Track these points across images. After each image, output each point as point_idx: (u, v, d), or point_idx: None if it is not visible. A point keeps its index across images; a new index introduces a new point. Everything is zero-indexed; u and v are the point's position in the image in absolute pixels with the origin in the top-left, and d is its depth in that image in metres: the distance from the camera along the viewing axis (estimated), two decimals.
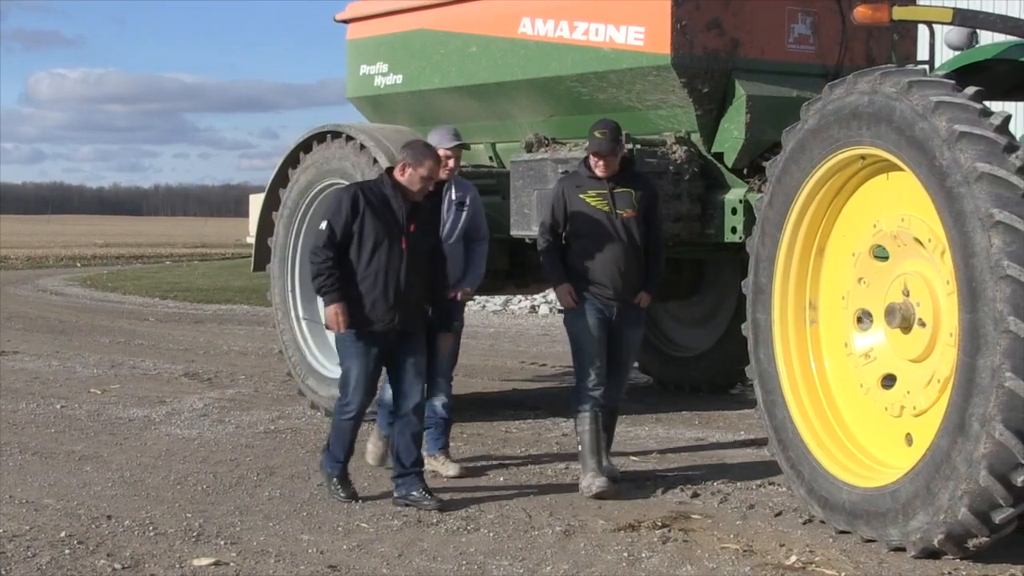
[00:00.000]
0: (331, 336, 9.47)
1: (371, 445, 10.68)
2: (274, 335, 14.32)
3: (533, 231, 11.81)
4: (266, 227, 13.90)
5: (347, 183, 12.82)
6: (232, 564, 7.95)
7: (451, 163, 10.26)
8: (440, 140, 10.20)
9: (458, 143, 10.37)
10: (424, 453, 9.82)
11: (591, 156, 9.64)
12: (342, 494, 9.46)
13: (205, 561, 7.99)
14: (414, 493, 9.25)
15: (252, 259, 14.45)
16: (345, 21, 14.36)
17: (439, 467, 10.34)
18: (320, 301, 9.79)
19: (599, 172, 9.64)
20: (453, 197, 10.39)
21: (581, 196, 9.66)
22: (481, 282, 10.82)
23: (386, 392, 10.12)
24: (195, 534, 8.64)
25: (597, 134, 9.59)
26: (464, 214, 10.42)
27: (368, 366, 9.35)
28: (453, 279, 10.22)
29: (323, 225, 9.26)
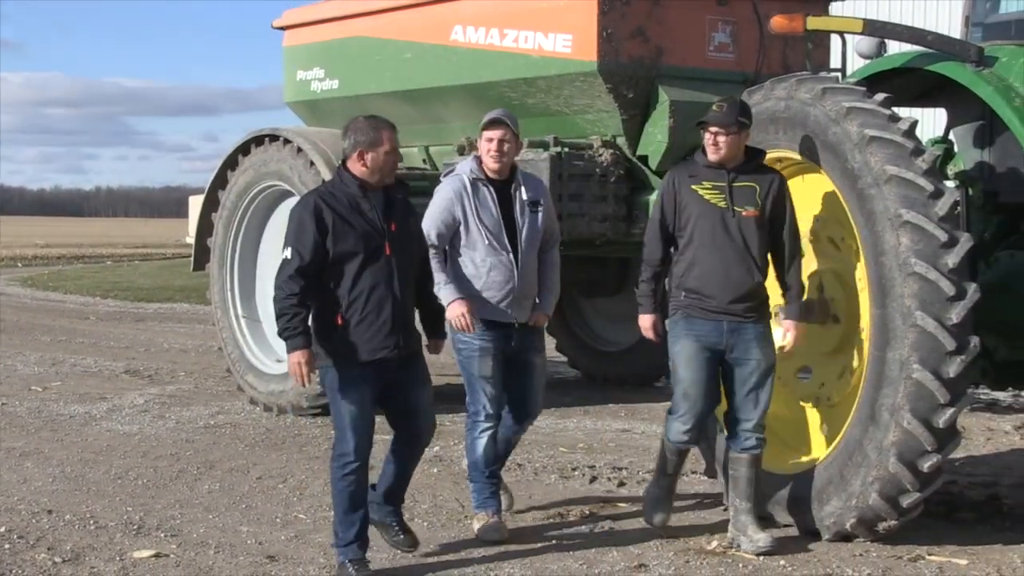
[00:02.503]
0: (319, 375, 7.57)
1: (481, 525, 8.28)
2: (214, 332, 14.29)
3: None
4: (206, 228, 13.89)
5: (284, 185, 12.89)
6: (172, 556, 7.92)
7: (492, 147, 8.10)
8: (482, 120, 8.26)
9: (497, 117, 8.16)
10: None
11: (707, 133, 7.71)
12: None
13: (145, 553, 7.96)
14: (389, 520, 7.80)
15: (192, 259, 14.39)
16: (282, 28, 14.34)
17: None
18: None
19: (712, 154, 7.71)
20: (524, 196, 8.26)
21: (694, 187, 7.78)
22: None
23: (475, 449, 8.38)
24: (135, 527, 8.59)
25: (715, 107, 7.75)
26: (540, 216, 8.31)
27: (366, 405, 7.39)
28: (533, 295, 8.32)
29: (287, 253, 7.24)
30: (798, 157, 8.16)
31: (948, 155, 8.62)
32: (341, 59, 13.54)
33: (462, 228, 8.13)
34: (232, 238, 13.63)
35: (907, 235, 7.40)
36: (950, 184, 7.99)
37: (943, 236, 7.52)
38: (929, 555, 7.85)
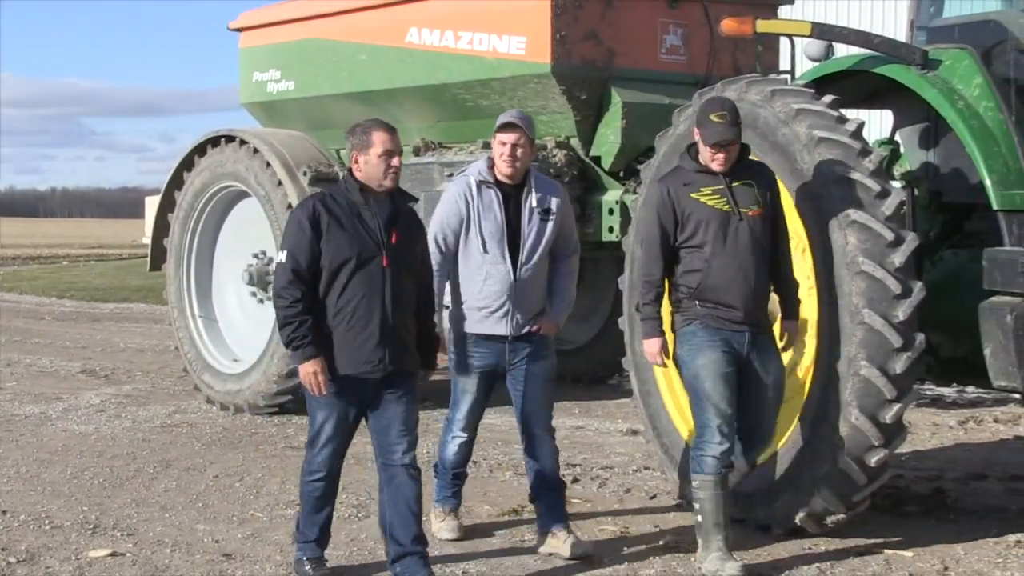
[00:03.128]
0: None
1: (439, 522, 8.19)
2: (170, 332, 14.24)
3: None
4: (162, 228, 13.85)
5: (241, 185, 12.86)
6: (128, 555, 7.89)
7: (506, 151, 7.53)
8: (496, 122, 7.68)
9: (509, 121, 7.60)
10: (539, 529, 7.91)
11: (708, 148, 7.22)
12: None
13: (101, 552, 7.93)
14: (305, 563, 7.24)
15: (148, 259, 14.36)
16: (238, 30, 14.31)
17: (560, 546, 7.74)
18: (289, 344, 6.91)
19: (717, 166, 7.21)
20: (534, 203, 7.66)
21: (693, 195, 7.22)
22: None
23: (445, 450, 8.11)
24: (91, 527, 8.55)
25: (714, 118, 7.19)
26: (550, 224, 7.69)
27: (345, 416, 7.04)
28: (536, 306, 7.77)
29: (282, 257, 6.90)
30: (752, 157, 8.20)
31: (894, 156, 8.69)
32: (297, 61, 13.52)
33: (462, 233, 7.63)
34: (188, 238, 13.59)
35: (854, 234, 7.47)
36: (896, 184, 8.05)
37: (890, 235, 7.58)
38: (876, 548, 7.91)
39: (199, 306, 13.64)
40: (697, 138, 7.30)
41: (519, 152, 7.56)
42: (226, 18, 15.13)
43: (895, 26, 8.76)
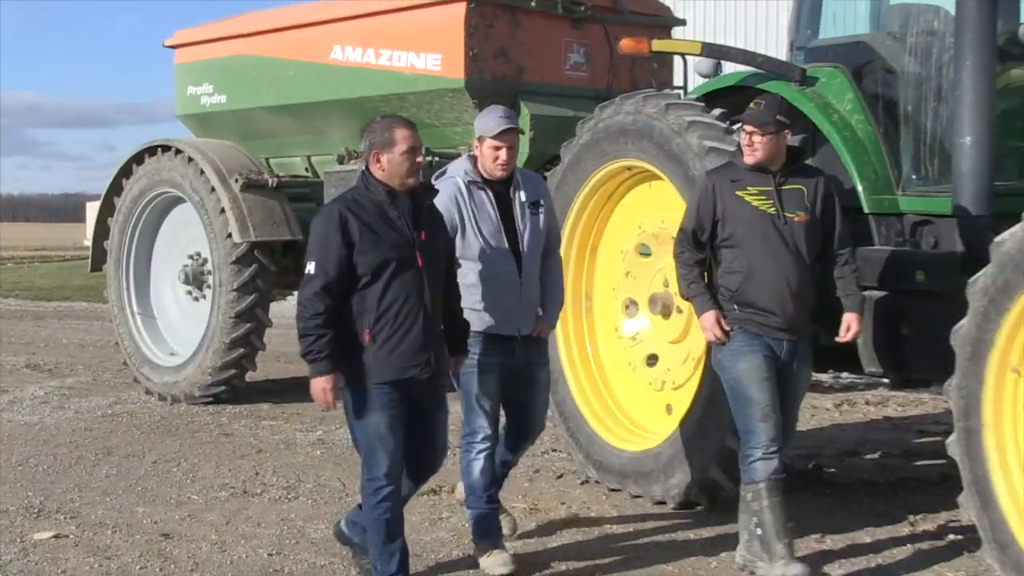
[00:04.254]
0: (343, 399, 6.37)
1: (487, 558, 6.98)
2: (111, 328, 14.11)
3: None
4: (102, 231, 13.72)
5: (176, 191, 12.78)
6: (71, 536, 7.84)
7: (502, 155, 6.90)
8: (483, 126, 7.01)
9: (508, 127, 6.92)
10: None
11: (742, 132, 6.71)
12: None
13: (45, 535, 7.86)
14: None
15: (89, 260, 14.21)
16: (173, 47, 14.21)
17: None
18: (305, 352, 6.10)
19: (749, 156, 6.61)
20: (523, 198, 7.03)
21: (738, 193, 6.55)
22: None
23: (472, 472, 7.12)
24: (36, 511, 8.46)
25: (752, 104, 6.70)
26: (541, 217, 7.08)
27: (396, 426, 6.22)
28: (536, 303, 7.15)
29: (310, 268, 6.11)
30: (645, 165, 8.26)
31: None
32: (228, 76, 13.43)
33: (459, 236, 6.85)
34: (127, 241, 13.47)
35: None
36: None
37: None
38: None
39: (138, 304, 13.53)
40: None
41: (512, 154, 6.99)
42: (162, 35, 15.05)
43: (777, 47, 8.84)
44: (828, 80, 8.04)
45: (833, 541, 7.66)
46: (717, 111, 8.09)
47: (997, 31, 6.87)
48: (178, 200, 12.99)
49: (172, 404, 12.67)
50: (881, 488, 8.96)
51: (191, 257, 13.00)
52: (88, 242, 14.25)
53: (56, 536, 7.84)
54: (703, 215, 6.66)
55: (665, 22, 12.49)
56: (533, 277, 7.05)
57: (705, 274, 6.82)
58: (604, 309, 8.94)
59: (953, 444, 6.36)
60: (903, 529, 7.93)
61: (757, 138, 6.52)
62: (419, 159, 6.30)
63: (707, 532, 7.81)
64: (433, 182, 6.90)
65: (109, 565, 7.25)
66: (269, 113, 13.04)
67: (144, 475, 9.54)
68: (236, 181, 12.29)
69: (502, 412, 7.24)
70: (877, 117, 7.89)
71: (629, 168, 8.40)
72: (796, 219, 6.55)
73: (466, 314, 6.77)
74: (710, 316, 6.64)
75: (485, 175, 7.00)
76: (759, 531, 6.60)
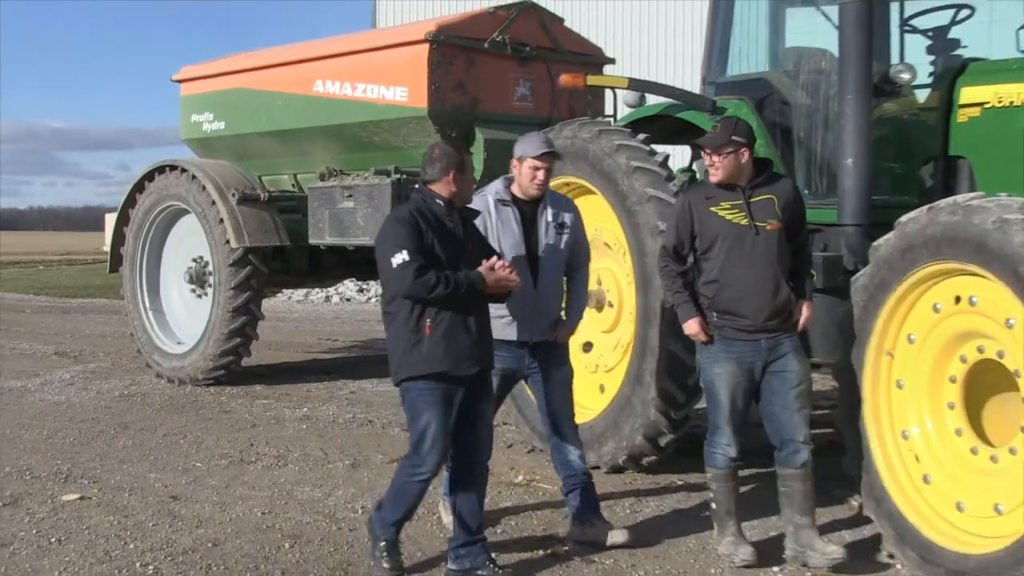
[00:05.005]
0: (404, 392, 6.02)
1: (449, 515, 6.61)
2: (126, 322, 14.00)
3: (327, 240, 11.88)
4: (119, 239, 13.63)
5: (182, 204, 12.73)
6: (94, 498, 7.80)
7: (540, 175, 6.58)
8: (526, 148, 6.63)
9: (549, 151, 6.62)
10: (574, 521, 6.81)
11: (704, 154, 6.34)
12: (386, 564, 6.09)
13: (72, 496, 7.82)
14: (480, 570, 5.99)
15: (108, 263, 14.12)
16: (180, 81, 14.17)
17: (600, 535, 6.67)
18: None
19: (712, 176, 6.21)
20: (549, 218, 6.68)
21: (712, 209, 6.17)
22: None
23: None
24: (64, 476, 8.42)
25: (711, 127, 6.47)
26: (565, 237, 6.72)
27: (450, 420, 5.91)
28: (553, 314, 6.79)
29: (403, 256, 5.70)
30: (581, 182, 8.27)
31: (691, 180, 8.79)
32: (227, 106, 13.37)
33: None
34: (140, 247, 13.40)
35: (662, 240, 7.56)
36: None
37: None
38: (678, 480, 8.06)
39: (149, 300, 13.46)
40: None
41: (548, 175, 6.68)
42: (170, 71, 14.95)
43: (692, 81, 8.87)
44: (735, 110, 8.06)
45: (752, 506, 7.64)
46: (641, 136, 8.12)
47: (873, 71, 6.93)
48: (183, 212, 12.93)
49: (179, 386, 12.60)
50: None
51: (195, 260, 12.93)
52: (107, 248, 14.14)
53: (81, 498, 7.81)
54: (682, 231, 6.31)
55: (598, 60, 12.52)
56: (550, 289, 6.67)
57: (690, 284, 6.40)
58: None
59: (839, 416, 6.45)
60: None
61: (716, 158, 6.17)
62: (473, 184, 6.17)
63: (634, 494, 7.85)
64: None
65: (126, 522, 7.21)
66: (261, 137, 12.99)
67: (155, 446, 9.50)
68: (233, 195, 12.25)
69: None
70: (776, 141, 7.93)
71: (568, 184, 8.40)
72: (768, 227, 6.13)
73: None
74: (693, 323, 6.29)
75: (517, 194, 6.67)
76: (713, 507, 6.39)
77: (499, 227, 6.58)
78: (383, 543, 6.09)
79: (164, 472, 8.57)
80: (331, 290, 24.89)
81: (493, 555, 6.11)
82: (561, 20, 12.41)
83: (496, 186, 6.76)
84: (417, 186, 6.19)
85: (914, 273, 5.96)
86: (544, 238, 6.65)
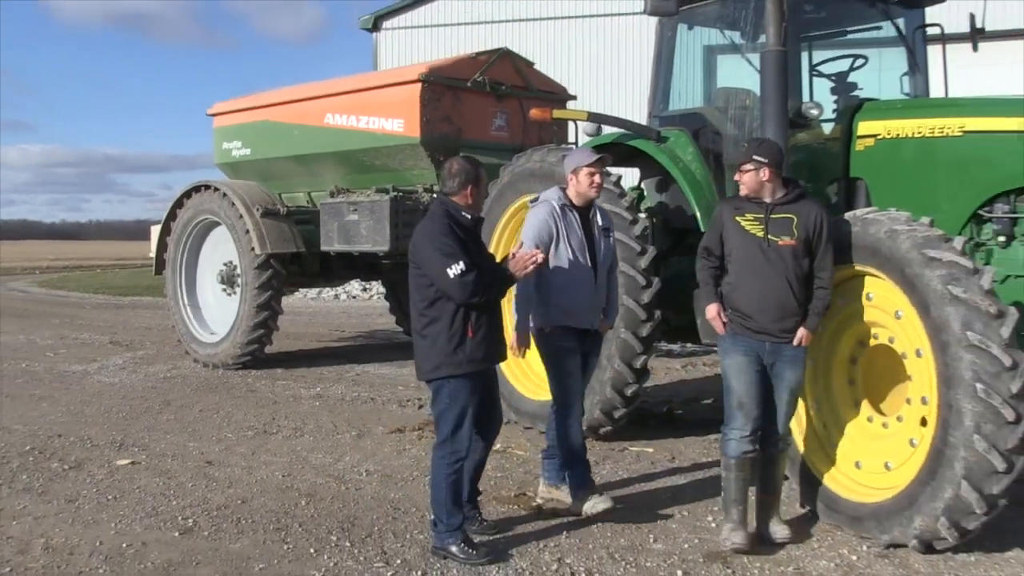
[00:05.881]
0: (435, 387, 5.62)
1: (592, 502, 6.25)
2: (168, 315, 13.94)
3: (335, 247, 11.84)
4: (162, 246, 13.58)
5: (214, 218, 12.67)
6: (143, 462, 7.78)
7: (597, 179, 6.25)
8: (579, 160, 6.31)
9: (599, 157, 6.33)
10: (545, 483, 6.62)
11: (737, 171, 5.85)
12: (480, 558, 5.48)
13: (124, 461, 7.80)
14: (453, 548, 5.54)
15: (153, 266, 14.07)
16: (213, 114, 14.13)
17: (564, 497, 6.46)
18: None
19: (741, 189, 5.84)
20: (600, 222, 6.38)
21: (736, 219, 5.77)
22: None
23: (571, 433, 6.31)
24: (118, 444, 8.39)
25: (745, 143, 6.04)
26: (611, 240, 6.48)
27: (477, 406, 5.57)
28: (602, 305, 6.42)
29: (460, 267, 5.29)
30: None
31: (641, 197, 8.80)
32: (252, 135, 13.35)
33: (553, 246, 6.17)
34: (180, 253, 13.33)
35: (616, 247, 7.54)
36: (642, 215, 8.15)
37: (638, 247, 7.70)
38: (630, 447, 8.04)
39: (187, 298, 13.40)
40: None
41: (603, 178, 6.41)
42: (205, 105, 14.90)
43: (640, 113, 8.88)
44: (676, 139, 8.08)
45: (680, 460, 7.74)
46: None
47: (788, 108, 6.95)
48: (216, 224, 12.87)
49: (212, 369, 12.54)
50: (714, 423, 8.93)
51: (225, 264, 12.88)
52: (152, 254, 14.08)
53: (132, 462, 7.78)
54: (713, 236, 5.88)
55: (562, 97, 12.53)
56: (603, 285, 6.36)
57: (714, 274, 5.92)
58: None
59: None
60: None
61: (739, 173, 5.79)
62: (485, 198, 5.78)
63: (592, 458, 7.82)
64: (530, 205, 6.38)
65: (169, 483, 7.19)
66: (281, 161, 12.97)
67: (193, 419, 9.45)
68: (257, 210, 12.23)
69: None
70: (709, 165, 7.94)
71: (536, 199, 8.38)
72: (781, 243, 5.62)
73: (552, 309, 6.15)
74: (712, 308, 5.86)
75: (575, 200, 6.30)
76: (731, 509, 5.79)
77: (566, 229, 6.21)
78: (458, 548, 5.51)
79: (200, 441, 8.53)
80: (339, 289, 24.85)
81: (481, 512, 6.06)
82: (531, 63, 12.44)
83: (556, 194, 6.36)
84: (437, 197, 5.84)
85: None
86: (598, 239, 6.34)
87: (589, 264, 6.23)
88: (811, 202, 5.80)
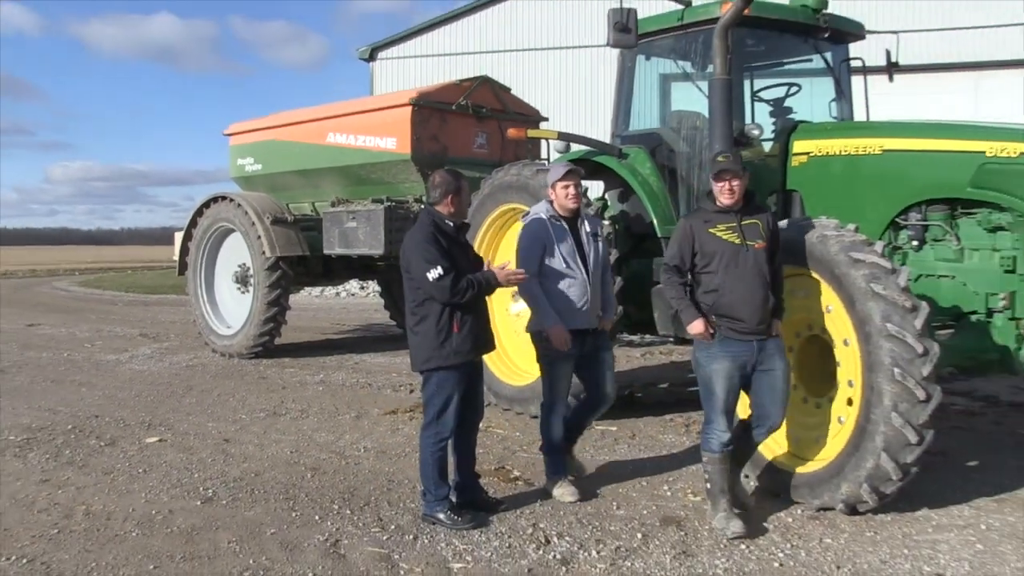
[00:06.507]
0: (430, 378, 5.56)
1: (559, 489, 6.09)
2: (190, 311, 13.87)
3: (336, 250, 11.80)
4: (184, 250, 13.51)
5: (230, 225, 12.60)
6: (168, 440, 7.75)
7: (571, 190, 6.02)
8: (553, 175, 6.12)
9: (569, 170, 6.10)
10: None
11: (717, 182, 5.48)
12: (465, 523, 5.49)
13: (153, 439, 7.78)
14: (440, 515, 5.52)
15: (177, 268, 13.99)
16: (229, 134, 14.05)
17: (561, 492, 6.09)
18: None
19: (725, 199, 5.44)
20: (587, 229, 6.12)
21: (711, 231, 5.47)
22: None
23: (552, 431, 6.15)
24: (147, 424, 8.35)
25: (720, 158, 5.56)
26: (600, 243, 6.16)
27: (461, 394, 5.52)
28: (598, 305, 6.13)
29: (438, 271, 5.28)
30: (523, 207, 8.23)
31: (605, 206, 8.79)
32: (263, 152, 13.27)
33: (547, 256, 5.96)
34: (200, 256, 13.26)
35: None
36: (606, 222, 8.15)
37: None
38: (596, 425, 7.98)
39: (206, 296, 13.33)
40: (712, 184, 5.55)
41: (578, 190, 6.10)
42: (222, 126, 14.83)
43: (604, 133, 8.88)
44: (635, 155, 8.08)
45: (640, 438, 7.74)
46: None
47: (732, 128, 6.97)
48: (231, 230, 12.81)
49: (228, 359, 12.48)
50: (671, 403, 9.05)
51: (239, 266, 12.83)
52: (175, 257, 14.01)
53: (159, 440, 7.76)
54: (684, 250, 5.52)
55: (535, 118, 12.52)
56: (596, 287, 6.08)
57: (685, 288, 5.64)
58: (500, 298, 8.89)
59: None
60: (681, 428, 8.03)
61: (736, 182, 5.41)
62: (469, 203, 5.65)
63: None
64: (521, 220, 6.16)
65: (191, 458, 7.16)
66: (288, 175, 12.90)
67: (212, 403, 9.40)
68: (268, 218, 12.18)
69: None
70: (664, 178, 7.94)
71: (513, 209, 8.40)
72: (756, 246, 5.44)
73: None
74: (699, 323, 5.46)
75: (560, 212, 6.10)
76: (708, 486, 5.59)
77: (556, 239, 6.00)
78: (445, 515, 5.51)
79: (219, 422, 8.49)
80: (340, 287, 24.77)
81: (486, 490, 5.94)
82: (508, 89, 12.42)
83: (544, 207, 6.14)
84: (424, 207, 5.75)
85: None
86: (587, 246, 6.07)
87: (581, 269, 6.01)
88: (765, 208, 5.73)
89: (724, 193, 5.44)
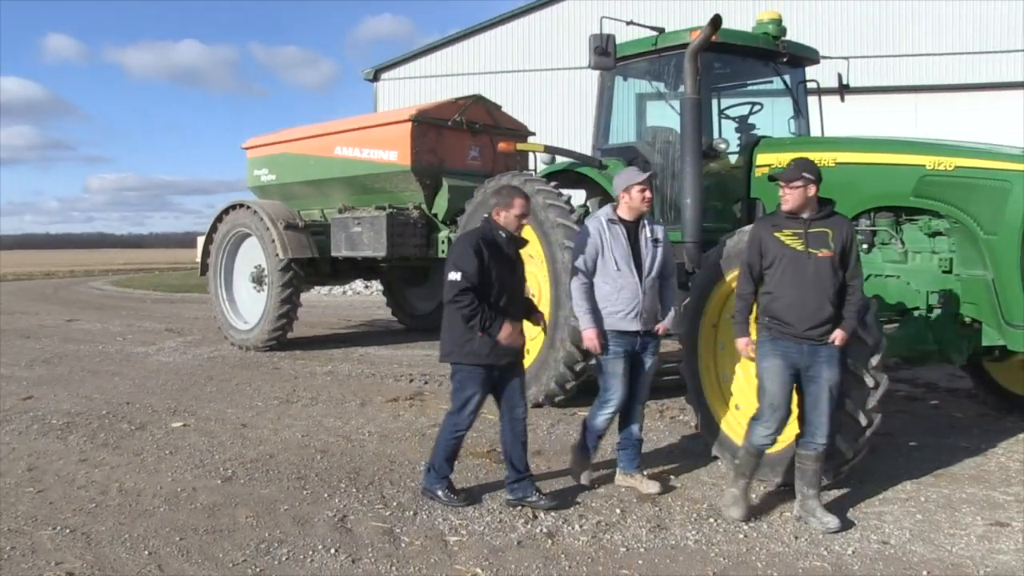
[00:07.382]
0: (455, 370, 5.38)
1: (583, 472, 5.88)
2: (211, 308, 13.80)
3: (343, 253, 11.74)
4: (206, 253, 13.42)
5: (247, 230, 12.52)
6: (191, 425, 7.68)
7: (647, 194, 5.59)
8: (630, 178, 5.64)
9: (648, 175, 5.69)
10: (621, 471, 5.89)
11: (779, 187, 5.13)
12: (460, 501, 5.44)
13: (178, 424, 7.72)
14: (531, 497, 5.37)
15: (199, 269, 13.89)
16: (247, 148, 13.98)
17: (638, 485, 5.78)
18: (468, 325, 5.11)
19: (784, 204, 5.09)
20: (648, 234, 5.65)
21: (776, 235, 5.06)
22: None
23: (596, 420, 5.75)
24: (172, 410, 8.28)
25: (790, 163, 5.18)
26: (660, 249, 5.65)
27: (486, 395, 5.35)
28: (654, 310, 5.65)
29: (455, 276, 5.11)
30: None
31: (586, 213, 8.73)
32: (277, 164, 13.19)
33: (600, 258, 5.59)
34: (220, 258, 13.15)
35: (568, 253, 7.52)
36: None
37: None
38: (579, 412, 7.97)
39: (226, 294, 13.23)
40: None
41: (652, 194, 5.70)
42: (240, 140, 14.75)
43: (585, 146, 8.86)
44: (614, 167, 8.06)
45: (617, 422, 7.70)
46: (553, 183, 8.08)
47: (702, 142, 6.95)
48: (248, 235, 12.72)
49: (245, 351, 12.39)
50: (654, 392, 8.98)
51: (255, 267, 12.74)
52: (198, 259, 13.92)
53: (183, 425, 7.70)
54: (752, 254, 5.15)
55: (524, 133, 12.47)
56: (652, 292, 5.62)
57: (753, 306, 5.23)
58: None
59: (684, 368, 6.45)
60: (656, 413, 8.00)
61: (787, 190, 5.05)
62: (526, 220, 5.38)
63: (550, 419, 7.79)
64: (586, 222, 5.77)
65: (212, 441, 7.10)
66: (299, 185, 12.83)
67: (231, 391, 9.32)
68: (281, 224, 12.10)
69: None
70: None
71: (585, 213, 8.32)
72: (820, 255, 4.97)
73: (600, 314, 5.60)
74: (743, 341, 5.20)
75: (624, 216, 5.65)
76: (736, 462, 5.32)
77: (611, 241, 5.59)
78: (443, 493, 5.46)
79: (237, 408, 8.42)
80: (346, 287, 24.69)
81: (538, 486, 5.53)
82: (499, 106, 12.36)
83: (606, 210, 5.74)
84: (485, 216, 5.44)
85: (731, 273, 5.97)
86: (645, 250, 5.62)
87: (634, 272, 5.56)
88: (841, 217, 5.14)
89: (782, 199, 5.10)
